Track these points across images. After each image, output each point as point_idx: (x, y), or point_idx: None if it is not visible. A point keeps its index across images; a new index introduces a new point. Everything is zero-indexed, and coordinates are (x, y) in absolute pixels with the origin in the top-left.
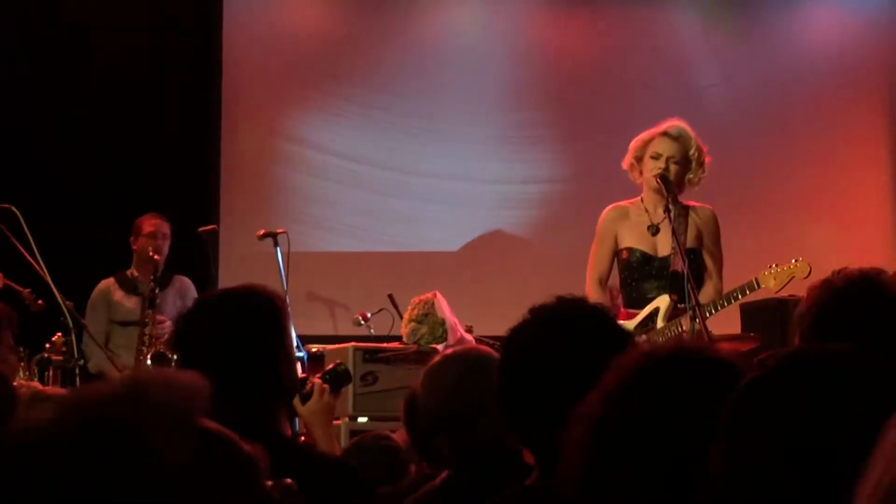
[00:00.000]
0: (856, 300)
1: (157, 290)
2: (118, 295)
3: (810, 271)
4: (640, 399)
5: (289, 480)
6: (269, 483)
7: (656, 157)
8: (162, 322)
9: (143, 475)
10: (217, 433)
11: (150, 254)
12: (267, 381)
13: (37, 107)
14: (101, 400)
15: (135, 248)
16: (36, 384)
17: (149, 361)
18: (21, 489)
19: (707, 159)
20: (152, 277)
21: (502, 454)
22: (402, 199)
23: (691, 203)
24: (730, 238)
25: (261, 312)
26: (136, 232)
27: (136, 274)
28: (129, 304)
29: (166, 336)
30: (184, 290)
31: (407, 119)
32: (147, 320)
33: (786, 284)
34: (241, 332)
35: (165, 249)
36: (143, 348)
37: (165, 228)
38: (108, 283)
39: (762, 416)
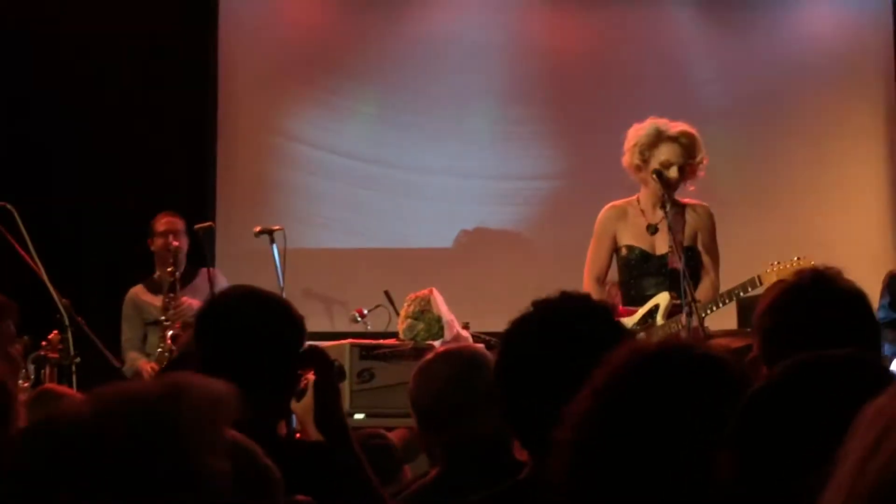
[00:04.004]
0: (808, 299)
1: (177, 274)
2: (146, 297)
3: None
4: (627, 395)
5: (302, 497)
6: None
7: (667, 167)
8: (185, 303)
9: (180, 476)
10: (242, 443)
11: (170, 244)
12: (284, 388)
13: (32, 104)
14: (140, 397)
15: (153, 248)
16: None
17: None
18: (51, 481)
19: (705, 160)
20: (170, 269)
21: (493, 451)
22: (398, 196)
23: (687, 201)
24: (728, 234)
25: (299, 322)
26: (151, 232)
27: (159, 275)
28: (157, 303)
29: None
30: (213, 278)
31: (402, 115)
32: (169, 304)
33: None
34: (283, 332)
35: (184, 244)
36: (167, 333)
37: (179, 224)
38: (136, 289)
39: (771, 424)
